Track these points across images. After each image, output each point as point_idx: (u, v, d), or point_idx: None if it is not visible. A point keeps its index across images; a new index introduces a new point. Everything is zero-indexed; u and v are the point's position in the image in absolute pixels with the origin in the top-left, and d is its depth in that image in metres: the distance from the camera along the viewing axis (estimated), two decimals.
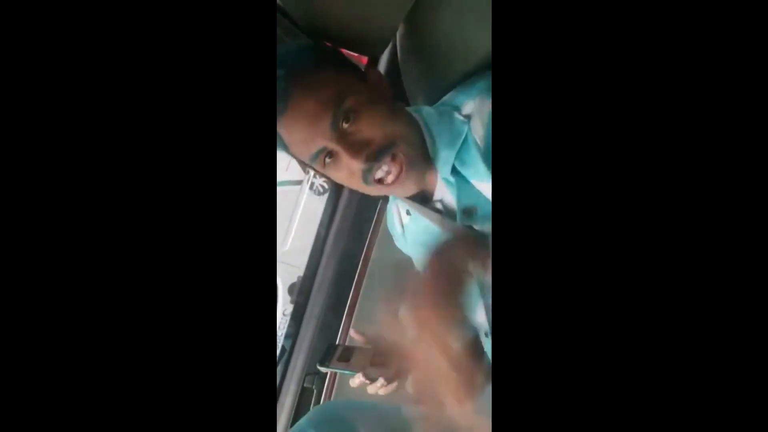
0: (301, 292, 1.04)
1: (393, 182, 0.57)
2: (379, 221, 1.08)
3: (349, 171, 0.56)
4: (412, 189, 0.61)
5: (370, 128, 0.55)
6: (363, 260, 1.07)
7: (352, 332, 0.74)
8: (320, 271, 1.05)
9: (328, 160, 0.56)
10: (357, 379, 0.68)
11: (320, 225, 1.09)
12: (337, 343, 0.82)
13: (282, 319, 2.79)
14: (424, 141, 0.60)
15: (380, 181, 0.57)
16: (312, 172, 3.27)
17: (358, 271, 1.07)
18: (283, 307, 2.85)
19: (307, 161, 0.58)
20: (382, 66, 0.88)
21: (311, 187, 3.16)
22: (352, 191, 1.05)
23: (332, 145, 0.55)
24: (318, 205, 2.96)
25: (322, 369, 0.69)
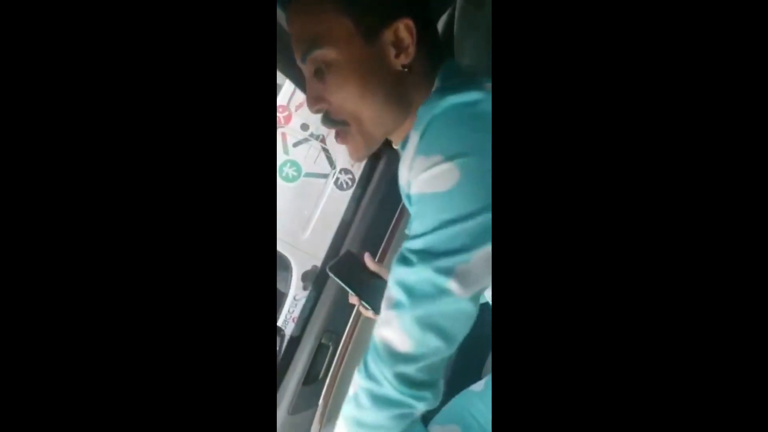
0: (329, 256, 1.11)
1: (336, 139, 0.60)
2: (400, 219, 1.15)
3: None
4: (351, 156, 0.62)
5: (333, 91, 0.55)
6: (382, 249, 1.14)
7: (367, 257, 0.79)
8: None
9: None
10: (355, 299, 0.77)
11: (345, 213, 1.17)
12: (355, 252, 0.85)
13: (292, 303, 2.87)
14: (392, 126, 0.58)
15: None
16: (338, 167, 3.29)
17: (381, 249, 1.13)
18: (295, 292, 2.93)
19: None
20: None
21: (336, 182, 3.26)
22: (377, 187, 1.11)
23: (305, 73, 0.57)
24: (341, 199, 3.05)
25: (329, 273, 0.76)
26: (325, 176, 3.15)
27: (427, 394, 0.51)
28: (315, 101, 0.57)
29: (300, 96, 3.04)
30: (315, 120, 3.23)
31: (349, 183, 3.15)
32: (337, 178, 3.16)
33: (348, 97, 0.54)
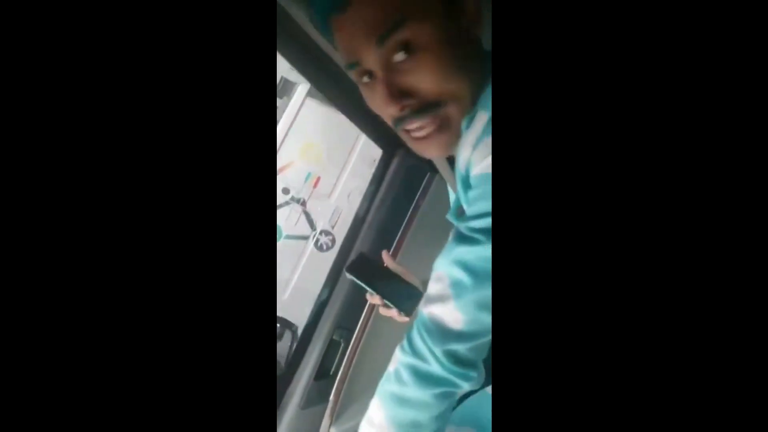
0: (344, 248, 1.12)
1: (421, 139, 0.53)
2: (413, 217, 1.16)
3: (381, 105, 0.51)
4: (438, 152, 0.55)
5: (423, 76, 0.48)
6: (395, 248, 1.16)
7: (385, 255, 0.78)
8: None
9: (366, 79, 0.51)
10: (375, 299, 0.74)
11: (357, 211, 1.20)
12: (367, 254, 0.81)
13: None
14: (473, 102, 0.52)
15: (408, 132, 0.53)
16: (318, 229, 3.32)
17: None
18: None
19: (344, 68, 0.53)
20: None
21: (316, 244, 3.28)
22: (390, 186, 1.13)
23: (374, 68, 0.49)
24: (321, 260, 3.05)
25: (348, 275, 0.74)
26: (306, 238, 3.17)
27: (473, 373, 0.51)
28: (399, 96, 0.49)
29: (280, 160, 3.14)
30: (296, 184, 3.28)
31: (330, 244, 3.17)
32: (317, 240, 3.18)
33: (441, 76, 0.49)
